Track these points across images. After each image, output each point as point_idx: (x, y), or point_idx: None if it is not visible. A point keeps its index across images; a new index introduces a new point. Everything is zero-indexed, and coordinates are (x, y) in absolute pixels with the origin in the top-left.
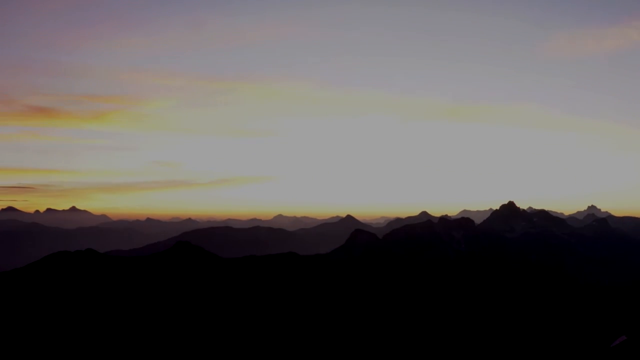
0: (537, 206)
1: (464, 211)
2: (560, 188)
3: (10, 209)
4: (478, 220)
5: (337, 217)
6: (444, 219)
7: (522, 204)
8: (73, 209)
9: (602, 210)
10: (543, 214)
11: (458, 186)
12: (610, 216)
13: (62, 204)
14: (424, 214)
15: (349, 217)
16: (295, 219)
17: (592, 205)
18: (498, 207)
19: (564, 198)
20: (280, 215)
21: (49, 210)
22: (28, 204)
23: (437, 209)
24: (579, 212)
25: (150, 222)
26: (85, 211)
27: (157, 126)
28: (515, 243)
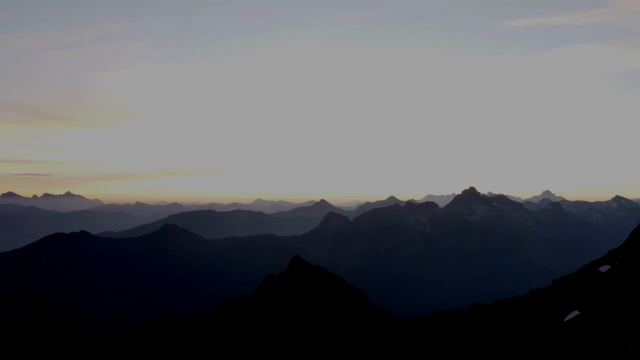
0: (497, 191)
1: (429, 196)
2: (518, 174)
3: (10, 194)
4: (442, 204)
5: (312, 201)
6: (410, 203)
7: (483, 189)
8: (68, 194)
9: (557, 195)
10: (502, 199)
11: (423, 172)
12: (564, 200)
13: (58, 190)
14: (392, 198)
15: (323, 202)
16: (273, 203)
17: (547, 191)
18: (460, 192)
19: (521, 183)
20: (259, 200)
21: (45, 195)
22: (27, 189)
23: (404, 194)
24: (534, 197)
25: (140, 206)
26: (79, 196)
27: (149, 126)
28: (476, 225)
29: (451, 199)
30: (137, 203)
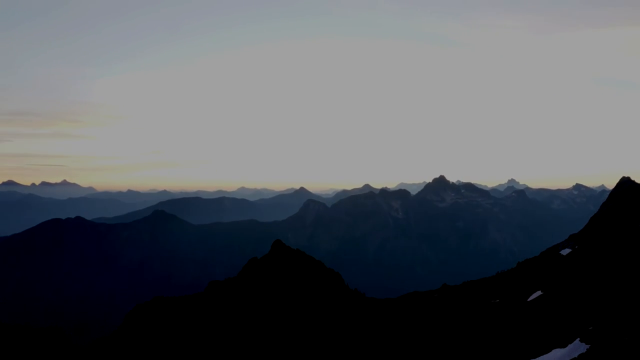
0: (465, 179)
1: (401, 184)
2: (485, 163)
3: (10, 182)
4: (413, 192)
5: (292, 188)
6: (384, 191)
7: (452, 177)
8: (64, 182)
9: (521, 183)
10: (469, 186)
11: (396, 162)
12: (528, 188)
13: (55, 178)
14: (367, 186)
15: (302, 189)
16: (255, 191)
17: (512, 179)
18: (431, 181)
19: (488, 172)
20: (243, 188)
21: (43, 183)
22: (26, 177)
23: (378, 182)
24: (500, 185)
25: (131, 194)
26: (74, 184)
27: (143, 124)
28: (445, 211)
29: (422, 186)
30: (129, 191)
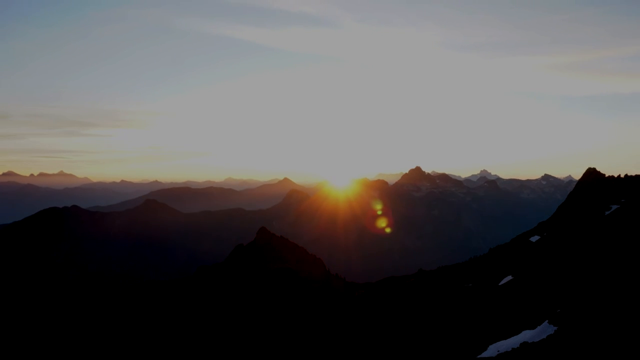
0: (439, 170)
1: (380, 174)
2: (459, 155)
3: (9, 173)
4: (391, 182)
5: (276, 179)
6: (363, 181)
7: (427, 168)
8: (61, 173)
9: (492, 173)
10: (444, 177)
11: (375, 154)
12: (499, 178)
13: (52, 169)
14: (347, 177)
15: (286, 180)
16: (242, 181)
17: (484, 170)
18: (407, 171)
19: (461, 163)
20: (230, 178)
21: (41, 174)
22: (25, 168)
23: (357, 173)
24: (473, 175)
25: (124, 184)
26: (71, 175)
27: (143, 126)
28: (421, 200)
29: (399, 177)
30: (122, 181)
